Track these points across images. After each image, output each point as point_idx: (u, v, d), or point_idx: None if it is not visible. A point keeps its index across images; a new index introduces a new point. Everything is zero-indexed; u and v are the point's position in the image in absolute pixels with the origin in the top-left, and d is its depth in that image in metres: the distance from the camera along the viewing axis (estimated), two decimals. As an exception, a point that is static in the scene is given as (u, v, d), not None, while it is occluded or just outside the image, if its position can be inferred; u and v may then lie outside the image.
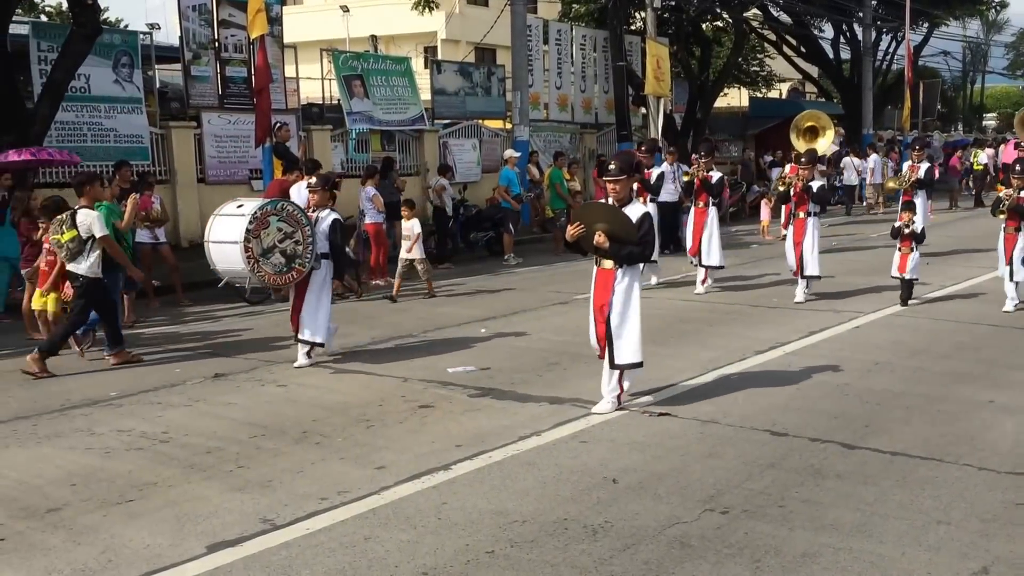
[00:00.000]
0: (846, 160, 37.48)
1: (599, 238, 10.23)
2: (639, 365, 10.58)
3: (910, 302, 16.45)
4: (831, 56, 54.46)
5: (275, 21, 26.39)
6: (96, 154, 22.57)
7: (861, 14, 48.85)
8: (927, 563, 6.62)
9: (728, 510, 7.65)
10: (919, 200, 21.41)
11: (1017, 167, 15.91)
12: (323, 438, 9.90)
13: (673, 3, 41.85)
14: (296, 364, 13.03)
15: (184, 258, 19.96)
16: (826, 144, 26.06)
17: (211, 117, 25.02)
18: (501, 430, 9.89)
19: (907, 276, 16.42)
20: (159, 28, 32.86)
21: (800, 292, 17.30)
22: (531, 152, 29.81)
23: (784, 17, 51.63)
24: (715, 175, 19.15)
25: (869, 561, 6.66)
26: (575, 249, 10.93)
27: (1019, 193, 15.59)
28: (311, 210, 13.63)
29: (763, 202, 30.08)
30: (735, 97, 59.73)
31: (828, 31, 54.64)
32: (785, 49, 53.66)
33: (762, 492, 8.02)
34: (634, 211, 10.39)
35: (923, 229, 17.08)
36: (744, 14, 45.63)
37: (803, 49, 53.62)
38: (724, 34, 50.30)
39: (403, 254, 18.64)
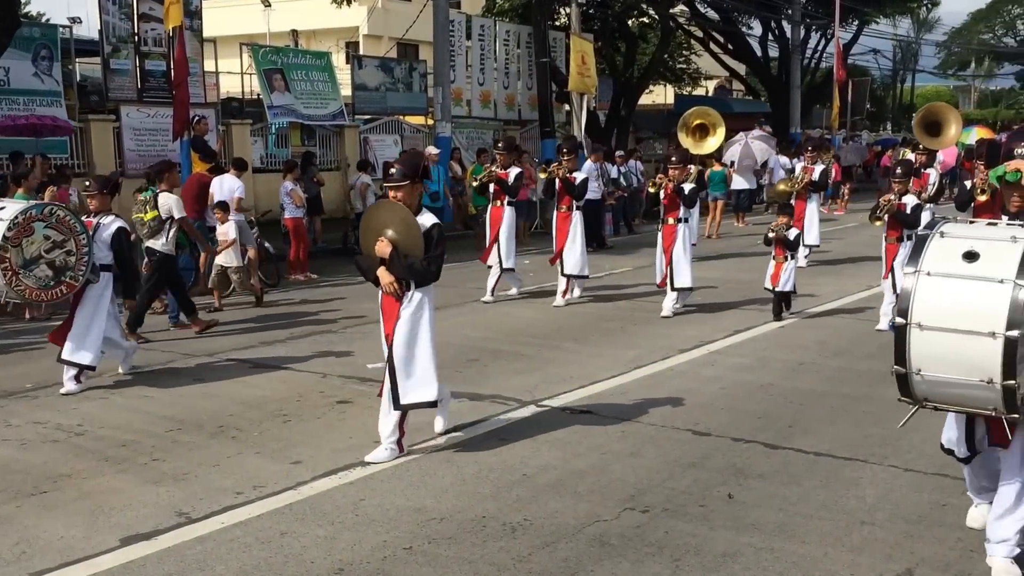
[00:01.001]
0: (774, 160, 37.68)
1: (381, 244, 8.90)
2: (432, 404, 9.23)
3: (786, 316, 15.48)
4: (759, 54, 54.77)
5: (195, 15, 26.31)
6: (14, 147, 22.28)
7: (790, 11, 49.29)
8: (850, 564, 6.73)
9: (648, 509, 7.73)
10: (812, 205, 21.66)
11: (898, 170, 14.98)
12: (239, 432, 9.92)
13: (599, -1, 42.09)
14: (63, 391, 11.62)
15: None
16: (716, 143, 25.40)
17: (130, 111, 24.86)
18: (420, 426, 9.91)
19: (780, 288, 15.27)
20: (80, 22, 32.57)
21: (668, 305, 15.96)
22: (453, 149, 29.82)
23: (712, 13, 51.96)
24: (580, 175, 17.73)
25: (791, 561, 6.76)
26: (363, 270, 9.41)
27: (899, 199, 14.43)
28: (92, 216, 12.39)
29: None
30: (660, 94, 59.95)
31: (756, 28, 55.02)
32: (712, 46, 53.87)
33: (683, 491, 8.12)
34: (424, 220, 9.04)
35: (798, 236, 15.79)
36: (671, 10, 45.87)
37: (730, 46, 53.86)
38: (650, 30, 50.42)
39: (218, 260, 17.22)
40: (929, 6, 75.94)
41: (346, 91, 32.05)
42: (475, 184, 18.84)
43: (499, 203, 17.95)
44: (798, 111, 50.14)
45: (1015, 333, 5.57)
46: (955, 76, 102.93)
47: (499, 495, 8.06)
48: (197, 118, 21.98)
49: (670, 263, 15.91)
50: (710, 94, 62.98)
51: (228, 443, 9.61)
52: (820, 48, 56.73)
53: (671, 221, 16.11)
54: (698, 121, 24.94)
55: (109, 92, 25.43)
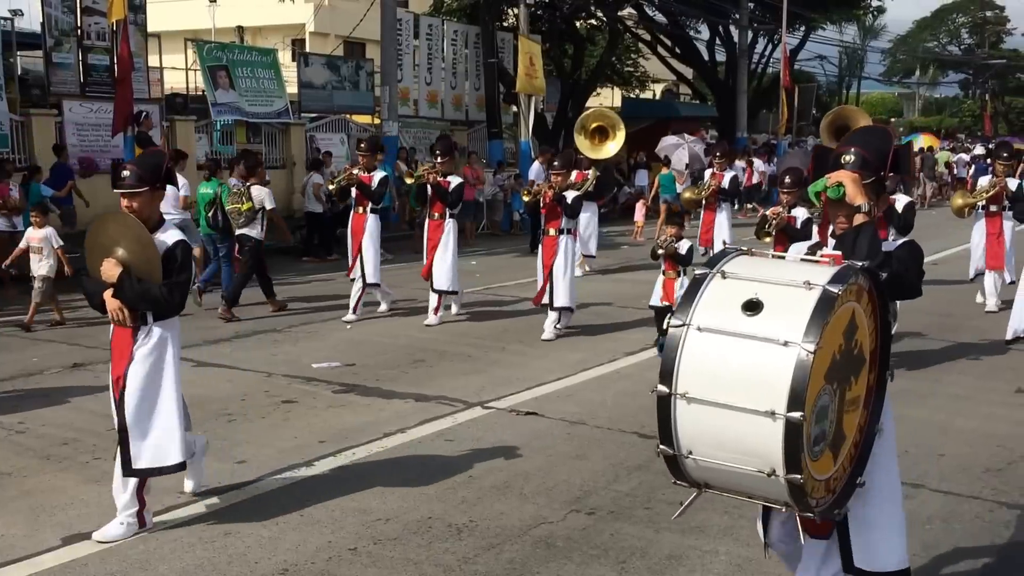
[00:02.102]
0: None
1: (108, 265, 7.31)
2: (178, 468, 7.58)
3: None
4: (706, 58, 54.99)
5: (139, 9, 26.08)
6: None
7: (737, 16, 49.48)
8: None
9: (594, 511, 7.77)
10: (722, 214, 19.44)
11: (787, 179, 13.31)
12: (183, 432, 9.85)
13: (547, 0, 42.09)
14: None
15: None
16: (615, 147, 23.66)
17: (72, 105, 24.61)
18: (366, 427, 9.93)
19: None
20: (21, 14, 32.15)
21: (549, 327, 14.46)
22: (400, 148, 29.76)
23: (659, 17, 52.06)
24: (454, 180, 15.65)
25: (736, 564, 6.82)
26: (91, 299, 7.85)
27: (789, 211, 13.06)
28: None
29: (638, 204, 30.26)
30: (608, 97, 60.04)
31: (704, 32, 55.19)
32: (660, 49, 54.03)
33: (629, 494, 8.15)
34: (166, 237, 7.48)
35: (690, 249, 13.56)
36: (619, 13, 46.00)
37: (678, 50, 54.05)
38: (598, 33, 50.57)
39: (33, 268, 15.59)
40: (875, 13, 76.67)
41: (292, 89, 31.91)
42: (330, 186, 17.19)
43: (361, 210, 16.15)
44: (745, 116, 50.32)
45: (797, 415, 4.20)
46: (900, 83, 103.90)
47: (444, 496, 8.06)
48: (144, 114, 21.84)
49: (549, 279, 14.44)
50: (658, 97, 63.22)
51: (170, 442, 9.54)
52: (767, 53, 57.01)
53: (552, 232, 14.61)
54: (596, 124, 23.33)
55: (51, 86, 25.16)
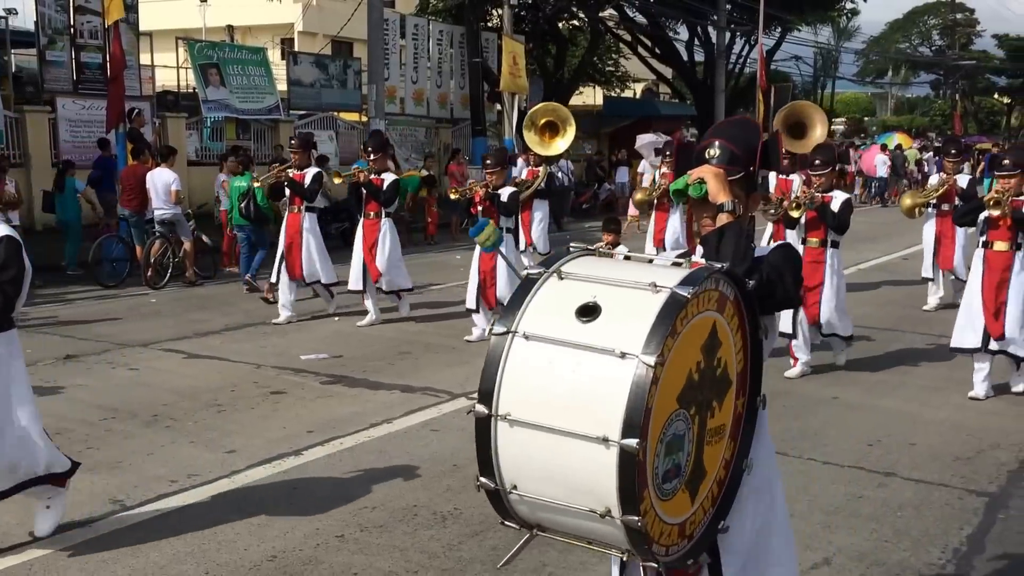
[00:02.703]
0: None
1: None
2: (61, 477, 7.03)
3: None
4: (685, 58, 55.02)
5: (131, 9, 26.01)
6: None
7: (715, 17, 49.48)
8: (769, 552, 6.79)
9: (575, 498, 7.75)
10: (675, 215, 17.42)
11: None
12: (174, 422, 9.85)
13: (530, 1, 42.08)
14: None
15: (38, 242, 19.71)
16: (565, 144, 21.79)
17: (66, 102, 24.60)
18: (353, 417, 9.93)
19: None
20: (15, 13, 32.08)
21: (476, 332, 13.87)
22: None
23: (640, 18, 52.09)
24: (388, 178, 14.82)
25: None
26: None
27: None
28: None
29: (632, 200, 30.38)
30: (590, 96, 60.03)
31: (683, 33, 55.19)
32: (640, 50, 54.03)
33: (610, 481, 8.14)
34: None
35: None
36: (600, 14, 45.99)
37: (658, 50, 54.05)
38: (580, 33, 50.60)
39: None
40: (849, 15, 76.78)
41: (281, 86, 31.89)
42: (256, 184, 16.22)
43: (296, 208, 15.23)
44: (723, 114, 50.24)
45: (633, 442, 3.26)
46: (873, 83, 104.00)
47: (430, 485, 8.06)
48: (135, 111, 21.83)
49: (490, 283, 13.77)
50: (638, 96, 63.24)
51: (162, 432, 9.54)
52: (744, 54, 57.04)
53: None
54: (546, 119, 21.50)
55: (45, 83, 25.15)
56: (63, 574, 6.43)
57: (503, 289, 13.46)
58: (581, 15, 46.48)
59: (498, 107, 36.68)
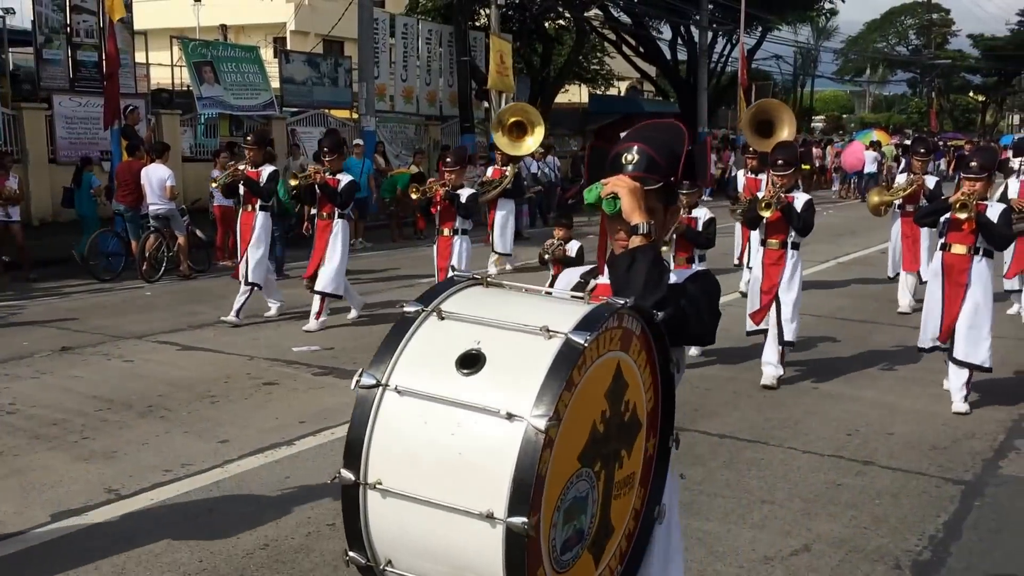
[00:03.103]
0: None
1: None
2: None
3: None
4: (669, 57, 55.08)
5: (126, 8, 25.97)
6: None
7: (698, 17, 49.51)
8: (751, 540, 6.82)
9: (561, 487, 7.75)
10: None
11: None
12: (168, 412, 9.84)
13: (517, 1, 42.05)
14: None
15: (34, 236, 19.77)
16: (534, 143, 21.20)
17: (62, 99, 24.54)
18: (344, 407, 9.84)
19: None
20: (13, 12, 32.02)
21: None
22: (377, 142, 29.68)
23: (624, 18, 52.14)
24: (344, 179, 14.14)
25: (696, 538, 6.81)
26: None
27: (688, 213, 11.73)
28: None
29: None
30: (575, 94, 60.07)
31: (666, 32, 55.26)
32: (624, 49, 54.10)
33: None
34: None
35: (579, 251, 12.04)
36: (585, 14, 45.98)
37: (642, 49, 54.13)
38: (566, 32, 50.58)
39: None
40: (828, 15, 76.83)
41: (274, 84, 31.86)
42: (215, 185, 15.76)
43: (250, 207, 14.54)
44: (705, 112, 50.38)
45: (520, 521, 2.71)
46: (851, 82, 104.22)
47: (420, 474, 8.04)
48: (130, 108, 21.82)
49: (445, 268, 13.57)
50: (622, 94, 63.29)
51: (157, 423, 9.53)
52: (726, 53, 57.12)
53: (446, 233, 13.93)
54: (515, 119, 20.84)
55: (41, 81, 25.09)
56: (59, 563, 6.40)
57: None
58: (567, 15, 46.47)
59: (486, 105, 36.64)
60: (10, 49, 27.29)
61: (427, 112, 36.93)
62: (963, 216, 9.91)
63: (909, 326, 14.11)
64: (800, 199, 11.08)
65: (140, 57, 28.98)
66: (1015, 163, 15.02)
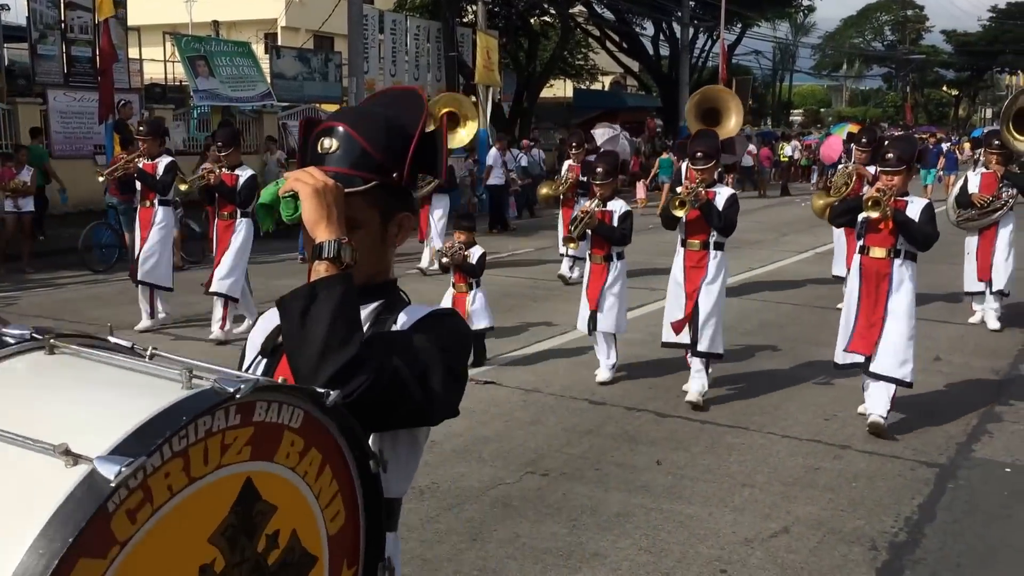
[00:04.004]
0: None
1: None
2: None
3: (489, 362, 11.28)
4: (651, 52, 55.13)
5: (119, 4, 25.86)
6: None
7: (680, 13, 49.49)
8: (732, 523, 6.84)
9: (548, 473, 7.78)
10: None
11: (599, 168, 10.66)
12: (163, 404, 9.79)
13: (503, -3, 42.09)
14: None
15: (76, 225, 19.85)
16: (468, 135, 19.64)
17: (57, 94, 24.45)
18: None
19: (473, 327, 10.53)
20: (8, 9, 31.90)
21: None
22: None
23: (608, 14, 52.13)
24: (243, 174, 12.73)
25: (678, 521, 6.84)
26: None
27: (602, 206, 10.56)
28: None
29: (639, 183, 31.64)
30: (560, 88, 60.09)
31: (649, 29, 55.33)
32: (608, 44, 54.13)
33: (580, 456, 8.17)
34: None
35: (482, 257, 11.04)
36: (570, 10, 46.01)
37: (625, 45, 54.15)
38: (551, 28, 50.60)
39: None
40: (806, 12, 76.98)
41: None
42: (100, 178, 13.76)
43: (148, 203, 13.14)
44: (686, 106, 50.39)
45: None
46: (829, 76, 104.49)
47: (408, 459, 8.04)
48: (122, 102, 21.77)
49: None
50: (606, 89, 63.28)
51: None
52: (707, 48, 57.30)
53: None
54: (447, 109, 18.73)
55: (36, 76, 25.02)
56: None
57: None
58: (552, 11, 46.47)
59: (473, 99, 36.63)
60: (5, 44, 27.16)
61: (415, 106, 36.86)
62: (875, 215, 8.66)
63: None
64: (723, 195, 9.86)
65: (133, 53, 28.93)
66: (973, 154, 15.14)
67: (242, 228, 12.86)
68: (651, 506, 7.11)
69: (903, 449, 8.48)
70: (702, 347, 9.77)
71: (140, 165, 12.96)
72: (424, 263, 17.84)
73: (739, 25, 57.08)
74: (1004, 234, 13.53)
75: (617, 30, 52.96)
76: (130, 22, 28.00)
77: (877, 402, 8.99)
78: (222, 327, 12.72)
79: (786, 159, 40.80)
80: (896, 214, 8.69)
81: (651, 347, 12.17)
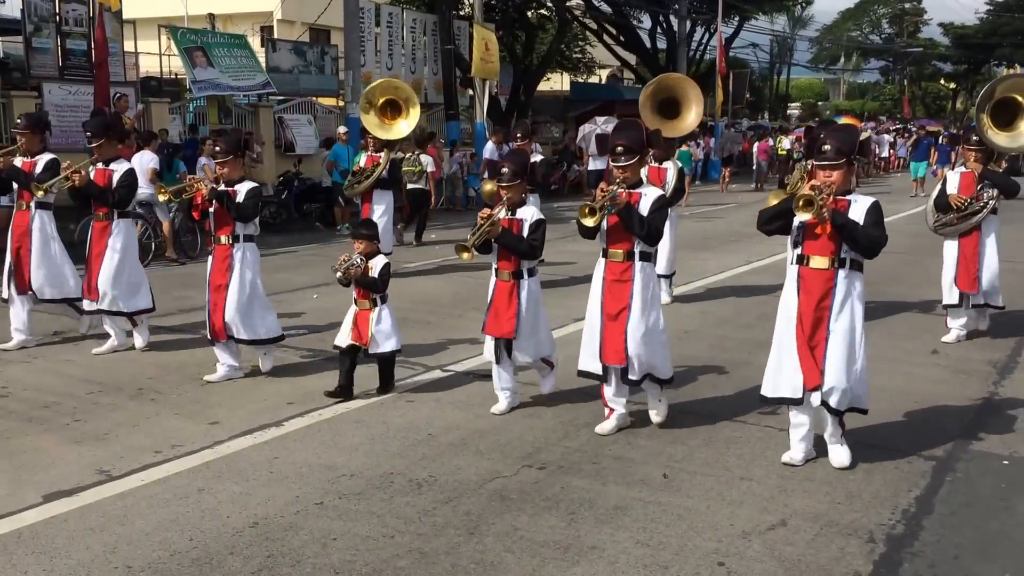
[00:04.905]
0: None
1: None
2: None
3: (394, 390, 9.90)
4: (648, 45, 55.14)
5: (118, -2, 25.93)
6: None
7: (677, 6, 49.52)
8: (730, 516, 6.84)
9: (545, 466, 7.78)
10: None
11: (503, 169, 8.92)
12: (158, 394, 9.82)
13: (500, -10, 42.10)
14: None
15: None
16: (409, 126, 17.67)
17: (52, 88, 24.40)
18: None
19: (374, 349, 9.61)
20: (3, 2, 31.94)
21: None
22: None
23: (605, 7, 52.15)
24: (118, 168, 11.33)
25: (676, 514, 6.85)
26: None
27: (510, 214, 9.05)
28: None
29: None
30: (557, 81, 60.13)
31: (646, 22, 55.36)
32: (605, 37, 54.16)
33: (578, 450, 8.17)
34: None
35: (385, 268, 9.67)
36: (567, 2, 46.02)
37: (622, 38, 54.20)
38: (548, 21, 50.59)
39: None
40: (803, 5, 77.04)
41: (262, 72, 31.87)
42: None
43: (25, 205, 11.75)
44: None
45: None
46: (826, 69, 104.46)
47: (405, 453, 8.06)
48: (118, 96, 21.79)
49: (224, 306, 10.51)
50: (603, 82, 63.26)
51: (147, 404, 9.51)
52: (704, 41, 57.32)
53: (223, 240, 10.64)
54: (386, 98, 17.50)
55: (31, 70, 24.97)
56: (51, 542, 6.39)
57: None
58: (548, 3, 46.49)
59: (470, 92, 36.62)
60: (0, 38, 27.19)
61: (412, 99, 36.88)
62: (806, 217, 7.43)
63: (883, 304, 14.17)
64: (649, 196, 8.50)
65: (129, 46, 28.90)
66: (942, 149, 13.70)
67: (120, 230, 11.47)
68: (649, 499, 7.12)
69: (900, 442, 8.48)
70: (660, 375, 8.69)
71: (17, 162, 11.84)
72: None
73: (736, 18, 57.19)
74: (989, 242, 12.29)
75: (614, 23, 53.00)
76: (125, 15, 27.96)
77: (837, 451, 7.97)
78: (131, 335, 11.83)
79: (784, 152, 40.75)
80: (835, 216, 7.50)
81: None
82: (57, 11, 25.05)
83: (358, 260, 9.52)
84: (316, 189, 25.65)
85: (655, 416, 8.91)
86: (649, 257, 8.58)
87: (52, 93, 24.10)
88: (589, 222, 8.26)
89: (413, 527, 6.61)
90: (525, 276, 9.04)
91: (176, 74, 33.82)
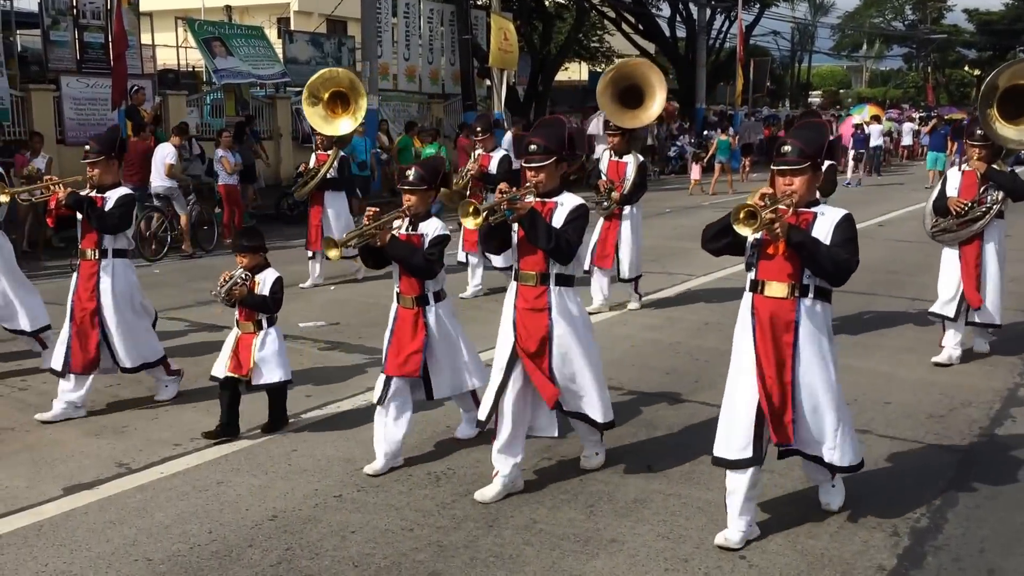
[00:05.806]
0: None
1: None
2: None
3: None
4: (667, 34, 54.98)
5: (135, -12, 26.00)
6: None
7: (696, -6, 49.53)
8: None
9: (564, 459, 7.78)
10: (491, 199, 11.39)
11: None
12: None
13: (518, -21, 42.05)
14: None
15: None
16: (352, 124, 15.62)
17: (69, 81, 24.49)
18: (350, 381, 9.93)
19: (257, 380, 8.31)
20: (21, -4, 32.09)
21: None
22: (380, 121, 29.67)
23: (623, -5, 52.11)
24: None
25: (696, 507, 6.85)
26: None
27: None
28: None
29: (694, 164, 33.61)
30: (575, 71, 60.07)
31: (665, 10, 55.18)
32: (624, 26, 54.02)
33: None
34: None
35: (276, 282, 8.60)
36: (585, -8, 45.95)
37: (641, 27, 54.01)
38: (566, 10, 50.51)
39: None
40: (825, -9, 76.82)
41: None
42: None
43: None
44: (703, 88, 50.36)
45: None
46: (848, 57, 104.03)
47: (424, 446, 8.07)
48: (135, 88, 21.85)
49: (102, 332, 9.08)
50: (621, 71, 63.17)
51: (166, 397, 9.54)
52: (724, 29, 57.13)
53: (89, 255, 9.18)
54: (333, 90, 15.51)
55: (49, 63, 25.09)
56: (71, 534, 6.42)
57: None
58: (567, -7, 46.49)
59: (487, 82, 36.60)
60: (18, 31, 27.27)
61: (430, 90, 36.88)
62: (746, 232, 5.99)
63: (905, 297, 14.12)
64: (566, 205, 7.02)
65: (146, 39, 29.00)
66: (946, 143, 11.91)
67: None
68: (669, 492, 7.11)
69: (925, 434, 8.44)
70: (598, 417, 7.29)
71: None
72: (309, 281, 15.60)
73: (757, 5, 56.97)
74: (990, 250, 10.63)
75: (633, 12, 52.82)
76: (142, 8, 28.08)
77: (828, 493, 6.90)
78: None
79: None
80: (792, 233, 6.07)
81: (667, 331, 12.20)
82: (74, 4, 25.17)
83: (242, 276, 8.31)
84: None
85: (587, 464, 7.64)
86: (569, 281, 7.07)
87: (70, 86, 24.18)
88: (470, 223, 6.80)
89: (432, 520, 6.61)
90: (431, 302, 7.68)
91: (193, 66, 33.91)
